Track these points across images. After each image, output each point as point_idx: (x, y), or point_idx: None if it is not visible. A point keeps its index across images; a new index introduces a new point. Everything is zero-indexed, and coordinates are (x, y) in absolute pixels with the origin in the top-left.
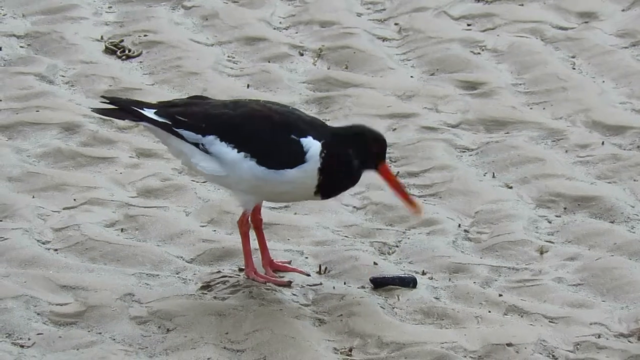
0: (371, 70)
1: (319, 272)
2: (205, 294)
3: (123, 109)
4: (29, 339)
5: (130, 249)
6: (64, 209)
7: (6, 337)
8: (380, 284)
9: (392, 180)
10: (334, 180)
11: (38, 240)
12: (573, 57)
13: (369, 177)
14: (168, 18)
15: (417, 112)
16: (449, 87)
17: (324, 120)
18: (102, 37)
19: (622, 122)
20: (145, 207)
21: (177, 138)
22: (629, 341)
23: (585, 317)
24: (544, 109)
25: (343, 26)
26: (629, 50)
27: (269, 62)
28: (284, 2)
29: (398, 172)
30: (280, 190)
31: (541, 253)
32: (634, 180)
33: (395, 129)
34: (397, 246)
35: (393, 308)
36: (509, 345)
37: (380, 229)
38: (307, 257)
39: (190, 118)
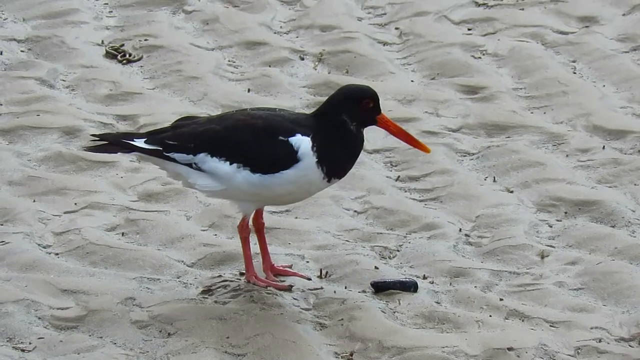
0: (372, 75)
1: (320, 277)
2: (206, 298)
3: (114, 143)
4: (30, 343)
5: (131, 253)
6: (64, 213)
7: (7, 341)
8: (381, 288)
9: (393, 128)
10: (340, 161)
11: (39, 244)
12: (574, 61)
13: (370, 181)
14: (169, 22)
15: (418, 116)
16: (449, 92)
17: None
18: (102, 42)
19: (622, 127)
20: (146, 211)
21: (171, 162)
22: (630, 345)
23: (586, 322)
24: (544, 113)
25: (344, 30)
26: (630, 54)
27: (269, 66)
28: (284, 7)
29: (399, 176)
30: (282, 192)
31: (542, 257)
32: (635, 185)
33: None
34: (398, 250)
35: (394, 312)
36: (510, 349)
37: (381, 233)
38: (308, 261)
39: (178, 140)
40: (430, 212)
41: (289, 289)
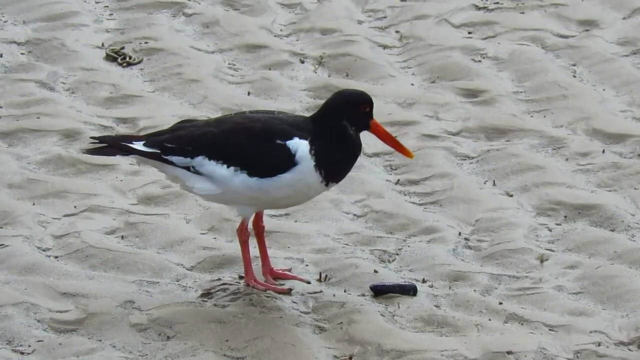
0: (372, 78)
1: (319, 280)
2: (206, 301)
3: (112, 145)
4: (29, 346)
5: (130, 256)
6: (64, 216)
7: (6, 344)
8: (380, 291)
9: (383, 133)
10: (338, 165)
11: (38, 247)
12: (574, 65)
13: (370, 185)
14: (169, 25)
15: (418, 119)
16: (449, 95)
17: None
18: (102, 44)
19: (622, 131)
20: (145, 215)
21: (169, 165)
22: (629, 349)
23: (585, 326)
24: (544, 117)
25: (344, 34)
26: (630, 58)
27: (269, 69)
28: (284, 10)
29: (399, 180)
30: (280, 196)
31: (541, 261)
32: (635, 189)
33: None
34: (397, 254)
35: (393, 316)
36: (509, 353)
37: (380, 237)
38: (307, 265)
39: (176, 143)
40: (429, 216)
41: (288, 292)
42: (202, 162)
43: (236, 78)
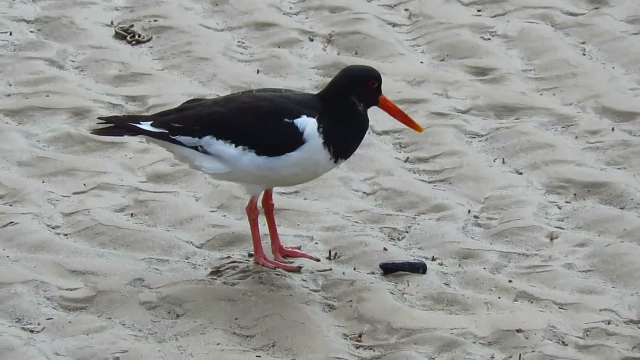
0: (381, 56)
1: (329, 258)
2: (215, 279)
3: (120, 126)
4: (38, 324)
5: (139, 234)
6: (73, 193)
7: (16, 322)
8: (390, 269)
9: (392, 108)
10: (347, 141)
11: (48, 225)
12: (583, 43)
13: (379, 162)
14: (178, 3)
15: (427, 97)
16: (459, 73)
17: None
18: (112, 22)
19: (632, 108)
20: (155, 192)
21: (177, 145)
22: (639, 327)
23: (595, 304)
24: (554, 94)
25: (353, 12)
26: (639, 36)
27: (278, 47)
28: None
29: (408, 158)
30: (288, 174)
31: (551, 239)
32: None
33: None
34: (407, 232)
35: (403, 294)
36: (518, 331)
37: (390, 215)
38: (316, 243)
39: (184, 123)
40: (439, 194)
41: (297, 270)
42: (210, 142)
43: (245, 56)
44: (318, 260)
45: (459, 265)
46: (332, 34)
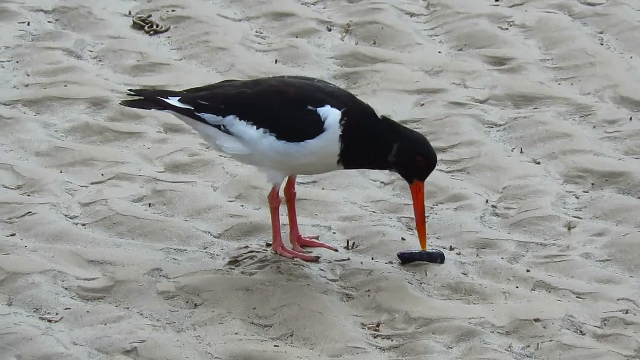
0: (399, 46)
1: (347, 248)
2: (233, 269)
3: (149, 99)
4: (56, 314)
5: (158, 224)
6: (91, 184)
7: (34, 312)
8: (408, 259)
9: (419, 201)
10: (356, 148)
11: (66, 215)
12: (601, 32)
13: None
14: None
15: (445, 87)
16: (477, 63)
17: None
18: (130, 13)
19: None
20: (173, 182)
21: (202, 122)
22: None
23: (613, 293)
24: (572, 84)
25: (371, 2)
26: None
27: (297, 37)
28: None
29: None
30: (304, 162)
31: (569, 229)
32: None
33: (423, 105)
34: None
35: (421, 284)
36: (536, 321)
37: (408, 205)
38: (335, 233)
39: (210, 101)
40: (457, 184)
41: (316, 260)
42: (233, 122)
43: (263, 46)
44: (336, 250)
45: (477, 255)
46: (350, 24)
